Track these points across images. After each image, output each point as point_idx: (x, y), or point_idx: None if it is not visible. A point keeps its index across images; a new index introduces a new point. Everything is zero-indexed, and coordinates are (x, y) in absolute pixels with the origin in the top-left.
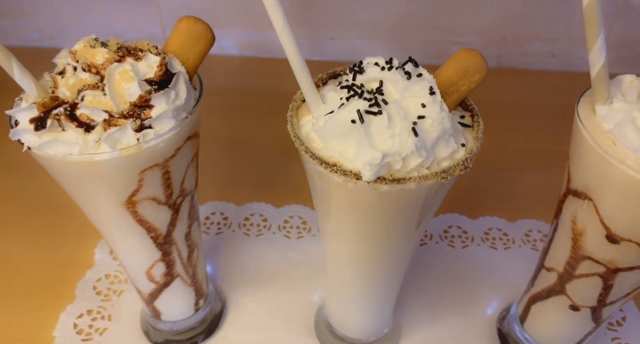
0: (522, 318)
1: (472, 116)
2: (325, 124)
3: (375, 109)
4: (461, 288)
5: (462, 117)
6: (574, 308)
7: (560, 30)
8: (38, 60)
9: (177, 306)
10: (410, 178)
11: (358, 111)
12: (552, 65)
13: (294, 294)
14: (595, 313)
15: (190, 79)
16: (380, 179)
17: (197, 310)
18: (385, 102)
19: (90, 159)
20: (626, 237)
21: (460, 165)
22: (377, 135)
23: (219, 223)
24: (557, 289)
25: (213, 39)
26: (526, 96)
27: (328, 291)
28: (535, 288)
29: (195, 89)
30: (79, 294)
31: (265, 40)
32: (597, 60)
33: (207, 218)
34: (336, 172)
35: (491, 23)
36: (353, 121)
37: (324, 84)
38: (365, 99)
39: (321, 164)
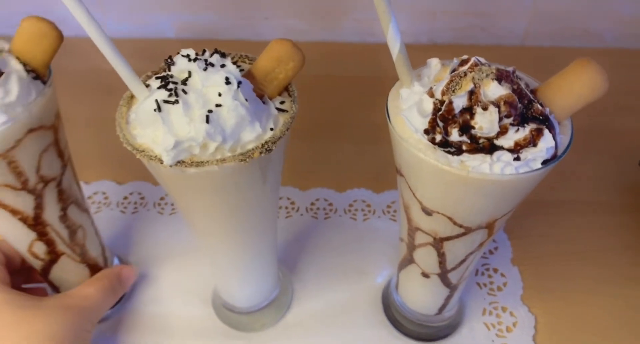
0: (397, 285)
1: (292, 102)
2: (137, 111)
3: (172, 99)
4: (357, 257)
5: (282, 102)
6: (425, 275)
7: (488, 5)
8: None
9: (71, 281)
10: (208, 161)
11: (156, 100)
12: (483, 39)
13: (198, 268)
14: (443, 279)
15: (42, 75)
16: (181, 162)
17: None
18: (185, 92)
19: None
20: (434, 209)
21: (259, 148)
22: (176, 122)
23: (135, 203)
24: (409, 258)
25: (59, 36)
26: None
27: (209, 263)
28: (399, 258)
29: (44, 83)
30: None
31: (201, 22)
32: (393, 46)
33: (125, 198)
34: (143, 157)
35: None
36: (155, 110)
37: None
38: (167, 89)
39: (133, 149)
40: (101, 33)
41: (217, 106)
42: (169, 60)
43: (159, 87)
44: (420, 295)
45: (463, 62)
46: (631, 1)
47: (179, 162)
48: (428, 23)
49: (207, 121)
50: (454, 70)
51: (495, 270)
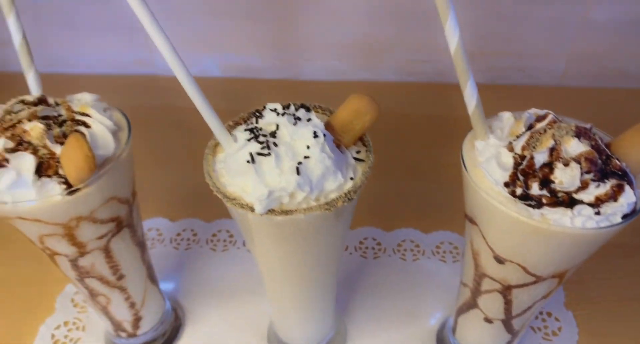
0: (454, 328)
1: (367, 151)
2: (228, 161)
3: (265, 151)
4: (409, 298)
5: (358, 152)
6: (488, 320)
7: (525, 46)
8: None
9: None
10: (296, 210)
11: (250, 153)
12: (520, 79)
13: (252, 306)
14: (506, 325)
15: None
16: (271, 211)
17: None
18: (276, 145)
19: None
20: (508, 258)
21: (342, 197)
22: (268, 173)
23: (188, 239)
24: (472, 303)
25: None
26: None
27: (271, 304)
28: (459, 302)
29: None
30: (58, 307)
31: (246, 62)
32: (470, 102)
33: (178, 234)
34: (235, 205)
35: None
36: (248, 161)
37: (245, 121)
38: (259, 141)
39: (224, 198)
40: (194, 85)
41: (305, 157)
42: (257, 113)
43: (248, 139)
44: (481, 340)
45: (540, 118)
46: None
47: (269, 210)
48: None
49: (298, 173)
50: (530, 126)
51: (549, 314)
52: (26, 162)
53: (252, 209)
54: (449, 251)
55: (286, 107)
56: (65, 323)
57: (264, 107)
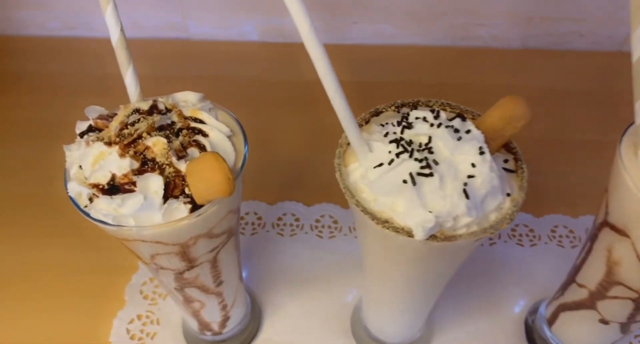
0: (551, 321)
1: (516, 160)
2: (376, 180)
3: (427, 171)
4: (490, 285)
5: (506, 161)
6: (604, 322)
7: (587, 10)
8: (61, 49)
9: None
10: (461, 235)
11: (410, 173)
12: (579, 45)
13: (329, 295)
14: (624, 327)
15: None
16: (431, 237)
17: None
18: (436, 163)
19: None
20: None
21: (507, 219)
22: (429, 195)
23: (253, 223)
24: (587, 304)
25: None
26: (555, 79)
27: (367, 302)
28: (565, 298)
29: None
30: (128, 299)
31: (286, 25)
32: None
33: (241, 218)
34: (387, 228)
35: (516, 5)
36: (405, 181)
37: (367, 122)
38: (416, 159)
39: (373, 219)
40: (344, 102)
41: (469, 176)
42: (404, 123)
43: (397, 155)
44: (587, 338)
45: None
46: None
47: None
48: (523, 28)
49: (467, 196)
50: None
51: None
52: (154, 184)
53: (409, 234)
54: (524, 234)
55: (436, 115)
56: (139, 317)
57: (408, 114)
